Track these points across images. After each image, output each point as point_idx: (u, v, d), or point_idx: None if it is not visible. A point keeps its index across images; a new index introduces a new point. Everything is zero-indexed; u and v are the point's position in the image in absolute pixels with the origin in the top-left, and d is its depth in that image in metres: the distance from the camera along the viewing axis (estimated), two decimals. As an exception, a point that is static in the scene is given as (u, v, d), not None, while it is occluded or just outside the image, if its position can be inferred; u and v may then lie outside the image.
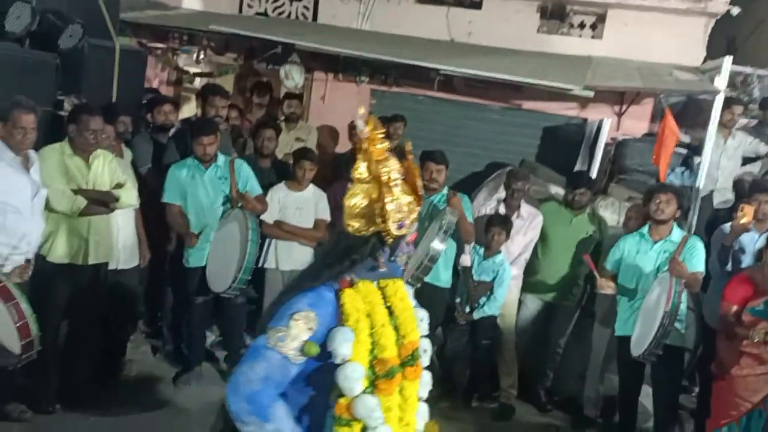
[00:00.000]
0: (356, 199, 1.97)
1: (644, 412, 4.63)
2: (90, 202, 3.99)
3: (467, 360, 5.00)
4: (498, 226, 4.70)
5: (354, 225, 1.97)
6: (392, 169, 1.96)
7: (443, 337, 5.11)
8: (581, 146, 6.41)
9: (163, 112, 5.03)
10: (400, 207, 1.94)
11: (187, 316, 4.71)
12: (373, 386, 1.92)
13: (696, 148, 5.89)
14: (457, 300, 4.86)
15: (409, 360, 2.01)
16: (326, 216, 4.95)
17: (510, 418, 4.80)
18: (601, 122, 6.25)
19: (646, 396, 4.56)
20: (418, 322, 2.10)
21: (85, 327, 4.21)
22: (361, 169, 1.97)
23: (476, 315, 4.77)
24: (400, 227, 1.94)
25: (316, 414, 1.94)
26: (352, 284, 1.97)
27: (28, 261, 3.74)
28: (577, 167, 6.20)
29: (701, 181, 5.56)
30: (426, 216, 4.73)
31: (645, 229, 4.41)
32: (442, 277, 4.63)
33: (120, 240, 4.36)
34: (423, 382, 2.12)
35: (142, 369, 4.75)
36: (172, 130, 5.02)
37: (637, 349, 4.03)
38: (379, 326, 1.96)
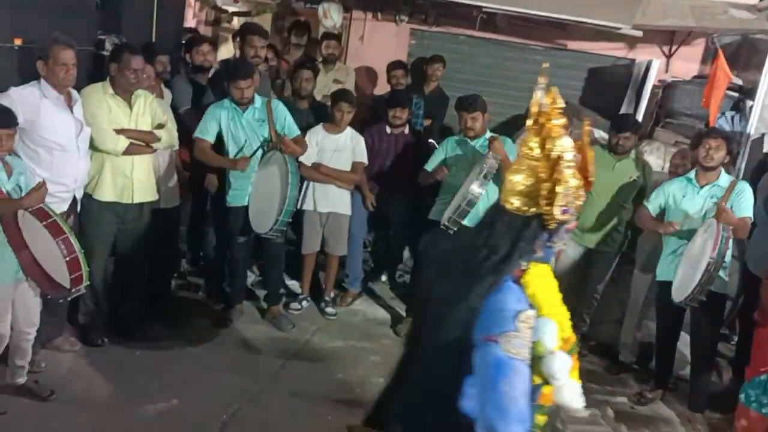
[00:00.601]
0: (521, 176, 1.86)
1: (681, 359, 4.61)
2: (132, 141, 4.05)
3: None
4: (538, 170, 4.62)
5: (514, 203, 1.87)
6: (566, 149, 1.85)
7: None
8: (627, 88, 6.21)
9: (201, 53, 5.01)
10: (568, 191, 1.83)
11: (228, 256, 4.80)
12: None
13: (749, 92, 5.65)
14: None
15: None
16: (363, 159, 4.94)
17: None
18: (649, 63, 6.03)
19: (684, 344, 4.53)
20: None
21: (132, 264, 4.34)
22: (531, 145, 1.87)
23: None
24: (564, 212, 1.84)
25: None
26: (523, 270, 1.90)
27: (75, 200, 3.85)
28: (622, 110, 6.02)
29: (752, 126, 5.35)
30: (467, 160, 4.69)
31: (692, 174, 4.29)
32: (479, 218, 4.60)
33: (162, 180, 4.43)
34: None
35: (185, 307, 4.90)
36: (211, 72, 5.01)
37: (679, 295, 3.98)
38: (559, 307, 1.94)
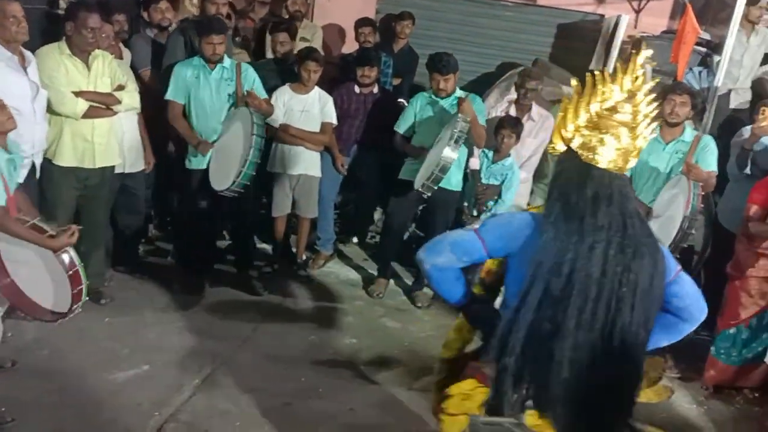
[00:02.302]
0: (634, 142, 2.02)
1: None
2: (92, 104, 3.92)
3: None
4: (508, 128, 4.60)
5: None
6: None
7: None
8: (597, 44, 6.18)
9: (159, 10, 4.84)
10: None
11: (192, 220, 4.71)
12: None
13: (716, 47, 5.66)
14: (465, 203, 4.84)
15: None
16: (333, 119, 4.86)
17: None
18: (618, 18, 5.98)
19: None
20: None
21: (96, 230, 4.24)
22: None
23: (483, 218, 4.76)
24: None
25: None
26: None
27: (33, 165, 3.73)
28: (591, 66, 6.00)
29: (719, 80, 5.37)
30: (436, 120, 4.64)
31: (656, 131, 4.31)
32: (452, 180, 4.59)
33: (125, 143, 4.32)
34: None
35: (154, 272, 4.83)
36: (171, 29, 4.85)
37: None
38: None
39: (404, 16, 5.97)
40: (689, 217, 3.77)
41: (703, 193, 3.89)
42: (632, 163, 2.01)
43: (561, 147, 2.04)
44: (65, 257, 3.00)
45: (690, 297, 2.09)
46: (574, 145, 1.99)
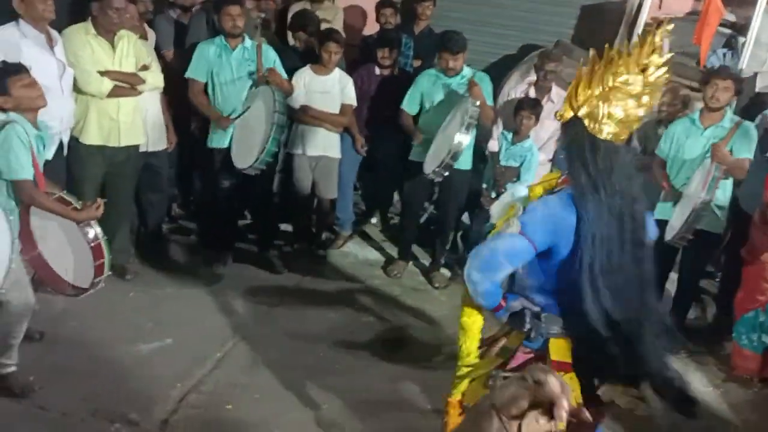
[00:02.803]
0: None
1: (668, 298, 4.70)
2: (117, 84, 3.99)
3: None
4: (527, 109, 4.60)
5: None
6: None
7: (469, 222, 5.17)
8: (620, 26, 6.12)
9: (187, -9, 4.89)
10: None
11: (215, 199, 4.79)
12: None
13: (741, 28, 5.58)
14: (484, 185, 4.85)
15: None
16: (352, 101, 4.88)
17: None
18: (642, 0, 5.92)
19: (671, 282, 4.61)
20: None
21: (121, 207, 4.34)
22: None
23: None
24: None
25: None
26: None
27: (61, 142, 3.83)
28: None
29: (744, 63, 5.31)
30: (443, 100, 4.65)
31: (696, 114, 4.26)
32: (462, 159, 4.60)
33: (148, 122, 4.38)
34: None
35: (178, 250, 4.93)
36: (194, 10, 4.90)
37: (669, 233, 4.01)
38: None
39: None
40: (702, 199, 3.75)
41: (722, 178, 3.86)
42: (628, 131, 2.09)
43: (569, 114, 2.08)
44: (89, 231, 3.10)
45: None
46: (581, 113, 2.04)
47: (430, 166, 4.42)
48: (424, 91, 4.75)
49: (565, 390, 1.00)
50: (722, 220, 4.24)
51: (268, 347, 3.84)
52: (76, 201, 3.14)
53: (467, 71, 4.64)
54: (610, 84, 2.01)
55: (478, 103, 4.28)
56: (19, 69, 3.09)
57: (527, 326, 2.15)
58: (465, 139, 4.15)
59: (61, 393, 3.21)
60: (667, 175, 4.29)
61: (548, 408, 1.00)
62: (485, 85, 4.58)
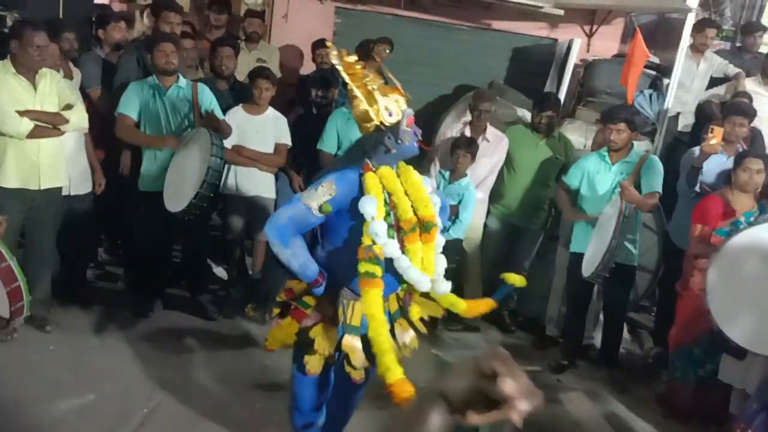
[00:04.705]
0: (358, 110, 2.51)
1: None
2: (38, 123, 3.81)
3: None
4: (463, 148, 4.62)
5: (364, 126, 2.55)
6: (370, 80, 2.49)
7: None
8: (551, 67, 6.29)
9: (119, 29, 4.75)
10: (386, 103, 2.48)
11: (144, 243, 4.58)
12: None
13: (665, 70, 5.82)
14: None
15: (424, 226, 2.60)
16: (287, 140, 4.78)
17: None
18: (570, 42, 6.11)
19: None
20: (431, 203, 2.65)
21: (42, 254, 4.10)
22: (351, 87, 2.48)
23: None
24: (390, 116, 2.49)
25: (347, 258, 2.53)
26: (374, 169, 2.56)
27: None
28: (546, 89, 6.10)
29: (669, 103, 5.51)
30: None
31: (605, 150, 4.40)
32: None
33: (71, 164, 4.19)
34: (438, 244, 2.71)
35: (104, 297, 4.68)
36: (124, 49, 4.76)
37: (587, 270, 4.08)
38: (398, 195, 2.55)
39: (384, 41, 5.92)
40: (615, 237, 3.85)
41: (632, 216, 3.96)
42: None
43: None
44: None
45: None
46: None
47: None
48: (339, 129, 4.72)
49: (523, 386, 0.88)
50: (634, 253, 4.37)
51: (199, 400, 3.63)
52: None
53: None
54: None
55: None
56: None
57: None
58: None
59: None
60: (577, 208, 4.46)
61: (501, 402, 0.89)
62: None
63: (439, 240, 2.70)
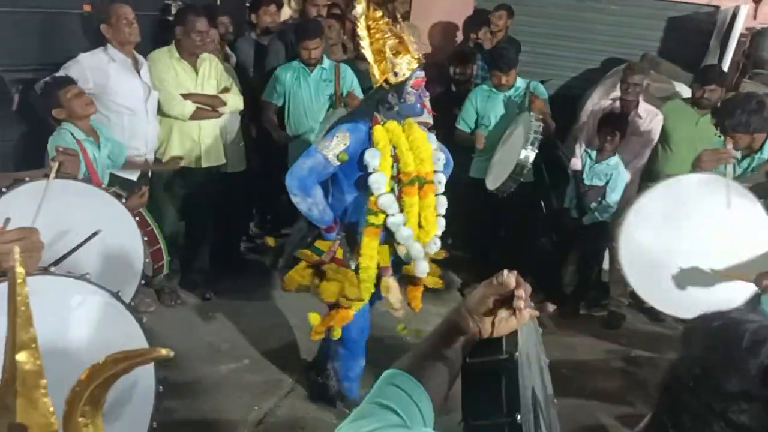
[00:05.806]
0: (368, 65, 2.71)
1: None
2: (199, 106, 4.07)
3: (576, 266, 4.82)
4: (610, 126, 4.39)
5: (374, 80, 2.71)
6: (387, 38, 2.63)
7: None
8: (711, 37, 5.79)
9: (269, 13, 4.95)
10: (394, 63, 2.63)
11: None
12: (395, 191, 2.77)
13: None
14: (566, 206, 4.67)
15: (425, 180, 2.80)
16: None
17: (620, 327, 4.66)
18: (736, 9, 5.58)
19: None
20: (435, 159, 2.86)
21: (201, 227, 4.41)
22: (360, 43, 2.64)
23: (586, 221, 4.56)
24: (395, 75, 2.64)
25: (357, 208, 2.84)
26: (381, 122, 2.77)
27: (146, 161, 3.91)
28: (706, 61, 5.64)
29: None
30: (500, 113, 4.59)
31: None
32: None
33: (228, 144, 4.44)
34: (440, 203, 2.90)
35: (255, 268, 4.95)
36: (273, 32, 4.95)
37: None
38: (402, 149, 2.75)
39: (500, 7, 5.76)
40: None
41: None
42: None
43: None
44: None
45: None
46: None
47: (493, 183, 4.29)
48: (478, 107, 4.68)
49: (520, 284, 1.09)
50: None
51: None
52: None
53: (521, 82, 4.59)
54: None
55: (541, 117, 4.16)
56: (66, 81, 3.23)
57: None
58: (531, 155, 4.04)
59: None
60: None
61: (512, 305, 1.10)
62: (540, 93, 4.54)
63: (441, 200, 2.89)
